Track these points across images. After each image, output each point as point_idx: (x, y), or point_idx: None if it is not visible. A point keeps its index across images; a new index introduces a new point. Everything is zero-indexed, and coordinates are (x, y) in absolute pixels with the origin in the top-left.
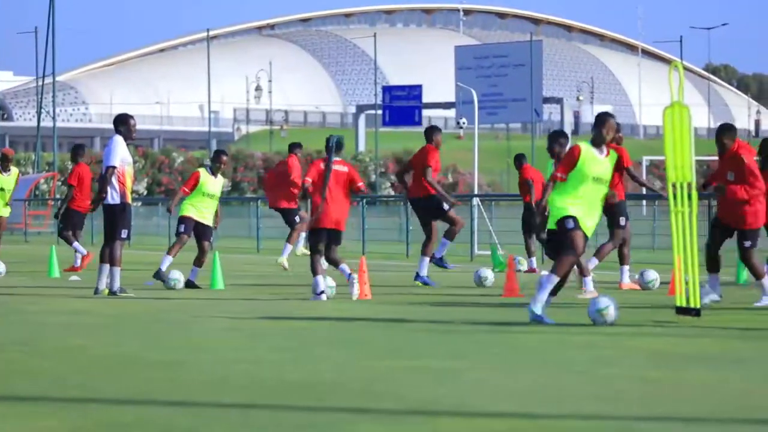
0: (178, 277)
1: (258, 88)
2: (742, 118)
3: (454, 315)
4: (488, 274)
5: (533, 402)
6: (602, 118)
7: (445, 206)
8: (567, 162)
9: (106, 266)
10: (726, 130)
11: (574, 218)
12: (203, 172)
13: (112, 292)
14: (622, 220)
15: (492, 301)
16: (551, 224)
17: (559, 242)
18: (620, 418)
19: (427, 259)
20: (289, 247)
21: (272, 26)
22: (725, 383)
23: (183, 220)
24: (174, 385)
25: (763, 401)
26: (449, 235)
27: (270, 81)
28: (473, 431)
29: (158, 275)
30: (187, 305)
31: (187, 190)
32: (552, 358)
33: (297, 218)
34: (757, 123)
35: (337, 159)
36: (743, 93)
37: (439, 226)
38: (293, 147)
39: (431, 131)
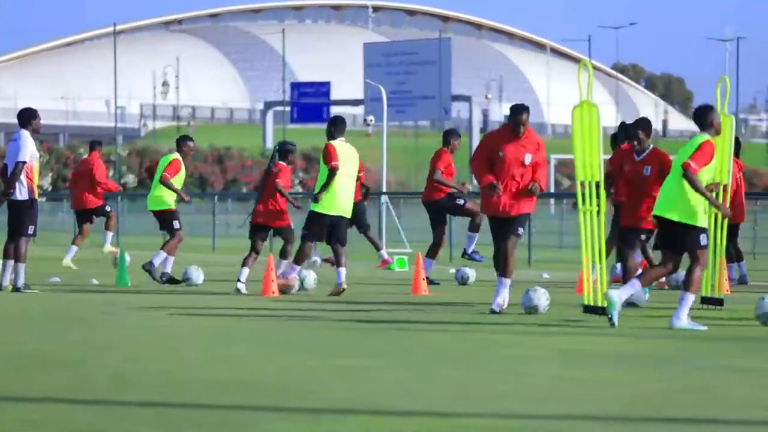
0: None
1: (165, 84)
2: (649, 117)
3: (370, 314)
4: (470, 273)
5: (448, 401)
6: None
7: (460, 201)
8: (706, 156)
9: (11, 262)
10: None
11: (707, 233)
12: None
13: (16, 288)
14: None
15: (406, 299)
16: (675, 215)
17: (678, 240)
18: (535, 417)
19: (433, 261)
20: (74, 249)
21: (180, 21)
22: (640, 382)
23: (175, 214)
24: (84, 384)
25: (678, 400)
26: (473, 228)
27: (177, 77)
28: (389, 430)
29: (166, 276)
30: (95, 302)
31: (169, 176)
32: (467, 357)
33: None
34: (665, 123)
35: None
36: (651, 92)
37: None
38: (94, 145)
39: (449, 135)
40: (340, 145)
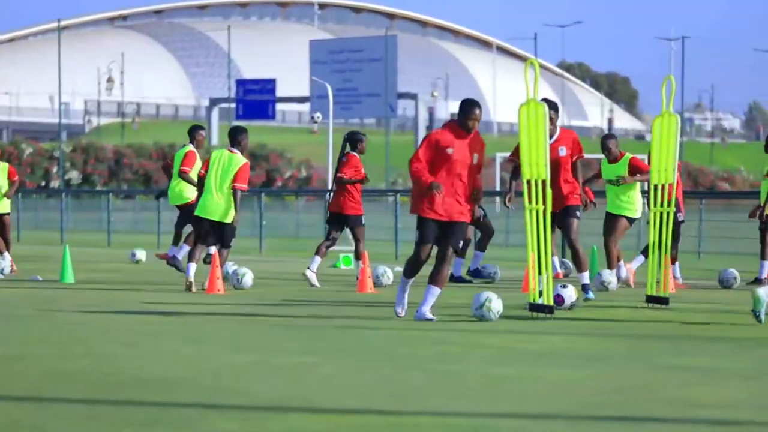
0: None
1: (110, 80)
2: (595, 116)
3: (305, 311)
4: None
5: (383, 398)
6: None
7: (479, 212)
8: None
9: None
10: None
11: None
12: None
13: None
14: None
15: (343, 297)
16: None
17: None
18: (469, 414)
19: (482, 254)
20: None
21: (125, 17)
22: (574, 380)
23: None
24: (17, 380)
25: (611, 398)
26: (481, 245)
27: (122, 73)
28: (323, 427)
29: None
30: (35, 298)
31: (188, 169)
32: (401, 355)
33: None
34: (610, 121)
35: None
36: (596, 91)
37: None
38: None
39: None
40: None
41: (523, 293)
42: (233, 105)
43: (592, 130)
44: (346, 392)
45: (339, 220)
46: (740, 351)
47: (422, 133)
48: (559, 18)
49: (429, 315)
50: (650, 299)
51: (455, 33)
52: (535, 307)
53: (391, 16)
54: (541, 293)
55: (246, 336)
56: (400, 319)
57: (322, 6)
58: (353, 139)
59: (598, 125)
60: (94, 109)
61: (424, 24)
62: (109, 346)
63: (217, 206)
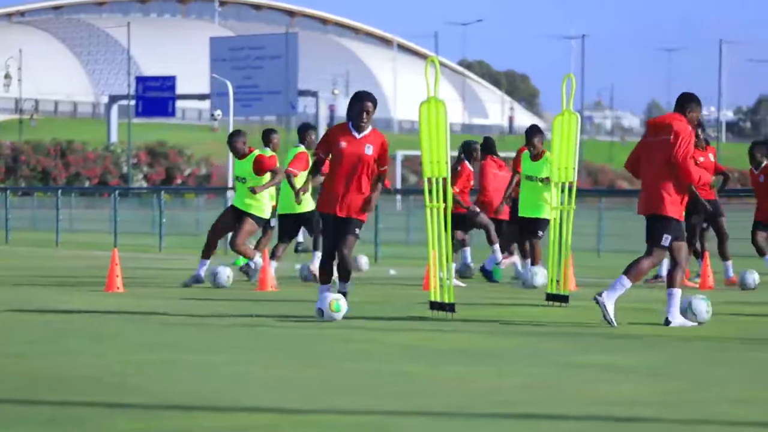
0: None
1: (7, 76)
2: (495, 114)
3: (210, 309)
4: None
5: (289, 396)
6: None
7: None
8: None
9: None
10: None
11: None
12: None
13: None
14: None
15: (248, 295)
16: None
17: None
18: (374, 412)
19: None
20: None
21: (23, 13)
22: (477, 378)
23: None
24: None
25: (512, 396)
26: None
27: (20, 69)
28: (230, 426)
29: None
30: None
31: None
32: (308, 353)
33: None
34: (511, 119)
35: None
36: (497, 89)
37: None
38: None
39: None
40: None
41: (424, 291)
42: (133, 102)
43: (493, 129)
44: (252, 390)
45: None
46: (643, 348)
47: (323, 131)
48: (460, 16)
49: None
50: (550, 297)
51: (356, 31)
52: (436, 306)
53: (291, 14)
54: (441, 291)
55: (150, 334)
56: (302, 317)
57: (222, 3)
58: (468, 149)
59: (498, 123)
60: None
61: (324, 21)
62: (12, 345)
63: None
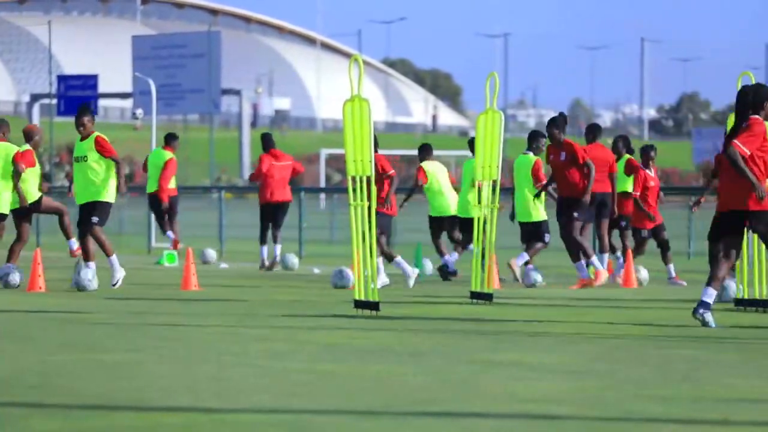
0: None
1: None
2: (419, 112)
3: (129, 308)
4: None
5: (209, 395)
6: None
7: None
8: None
9: None
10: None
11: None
12: None
13: None
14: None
15: (169, 294)
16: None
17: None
18: (294, 411)
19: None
20: None
21: None
22: (400, 376)
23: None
24: None
25: (436, 394)
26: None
27: None
28: (149, 425)
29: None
30: None
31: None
32: (227, 352)
33: None
34: (434, 118)
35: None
36: (420, 87)
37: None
38: None
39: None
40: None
41: (349, 290)
42: (54, 101)
43: (417, 127)
44: (172, 389)
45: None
46: (560, 346)
47: (246, 129)
48: (383, 14)
49: None
50: (474, 295)
51: (279, 29)
52: (360, 304)
53: (214, 12)
54: (365, 290)
55: (71, 334)
56: (226, 316)
57: (144, 1)
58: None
59: (422, 122)
60: None
61: (247, 20)
62: None
63: None
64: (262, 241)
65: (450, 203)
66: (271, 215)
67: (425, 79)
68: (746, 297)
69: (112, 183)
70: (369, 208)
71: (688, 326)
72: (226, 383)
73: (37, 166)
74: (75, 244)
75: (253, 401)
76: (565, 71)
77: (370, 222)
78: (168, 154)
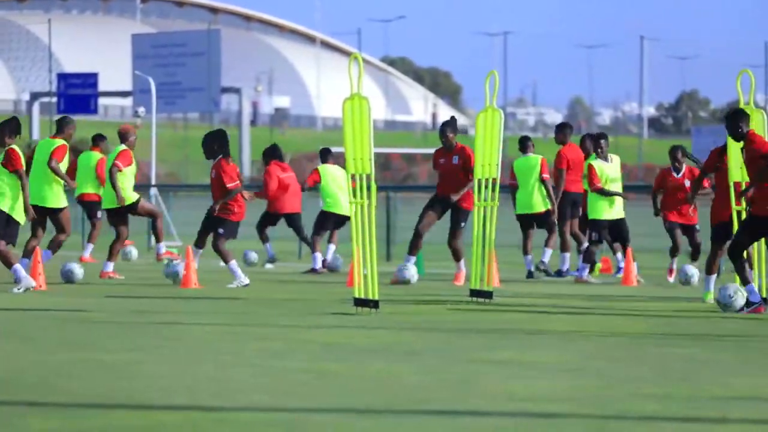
0: None
1: None
2: (419, 110)
3: (128, 306)
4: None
5: (207, 395)
6: None
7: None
8: None
9: None
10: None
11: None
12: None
13: None
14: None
15: (168, 293)
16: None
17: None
18: (294, 410)
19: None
20: None
21: None
22: (398, 375)
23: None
24: None
25: (434, 393)
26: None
27: None
28: (148, 425)
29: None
30: None
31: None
32: (226, 351)
33: None
34: (434, 116)
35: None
36: (420, 85)
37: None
38: None
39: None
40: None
41: (348, 287)
42: (54, 99)
43: (416, 125)
44: (171, 389)
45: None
46: (558, 344)
47: (246, 128)
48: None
49: None
50: (474, 293)
51: (279, 28)
52: (360, 302)
53: (214, 11)
54: (365, 288)
55: (70, 333)
56: (225, 315)
57: (144, 0)
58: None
59: (422, 120)
60: None
61: (247, 18)
62: None
63: None
64: (266, 239)
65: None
66: (285, 222)
67: (425, 77)
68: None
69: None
70: (369, 206)
71: (686, 325)
72: (225, 382)
73: (134, 166)
74: (163, 248)
75: (252, 400)
76: (565, 69)
77: (370, 220)
78: (97, 155)
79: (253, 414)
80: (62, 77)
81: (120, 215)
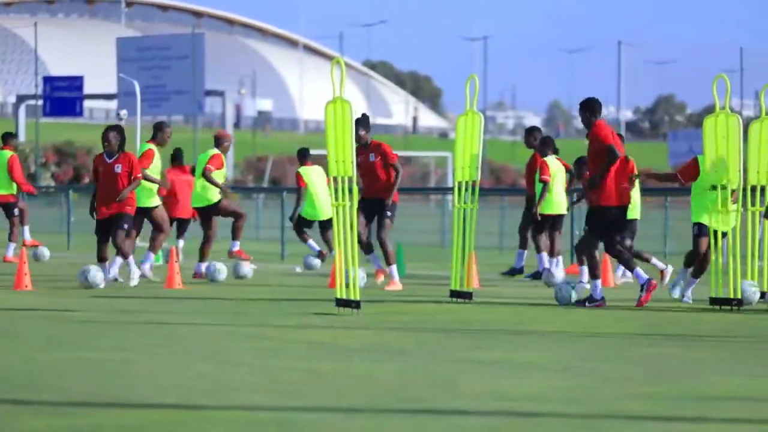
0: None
1: None
2: (400, 114)
3: (115, 306)
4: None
5: (196, 393)
6: None
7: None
8: None
9: None
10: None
11: None
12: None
13: None
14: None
15: (156, 293)
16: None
17: None
18: (281, 408)
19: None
20: None
21: None
22: (383, 374)
23: None
24: None
25: (418, 392)
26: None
27: None
28: (137, 423)
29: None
30: None
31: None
32: (215, 350)
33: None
34: (415, 119)
35: None
36: (401, 89)
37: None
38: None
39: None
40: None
41: (330, 288)
42: (40, 102)
43: (397, 128)
44: (159, 387)
45: None
46: (544, 344)
47: (230, 130)
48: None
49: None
50: (454, 294)
51: (262, 32)
52: (341, 302)
53: (198, 15)
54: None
55: (58, 332)
56: (212, 314)
57: (129, 4)
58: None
59: (402, 123)
60: None
61: (231, 22)
62: None
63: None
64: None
65: (324, 207)
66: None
67: (406, 81)
68: (720, 296)
69: None
70: (350, 207)
71: (673, 325)
72: (214, 381)
73: (224, 169)
74: (236, 245)
75: (241, 399)
76: (544, 73)
77: (352, 221)
78: (8, 153)
79: (242, 412)
80: (48, 80)
81: (206, 217)
